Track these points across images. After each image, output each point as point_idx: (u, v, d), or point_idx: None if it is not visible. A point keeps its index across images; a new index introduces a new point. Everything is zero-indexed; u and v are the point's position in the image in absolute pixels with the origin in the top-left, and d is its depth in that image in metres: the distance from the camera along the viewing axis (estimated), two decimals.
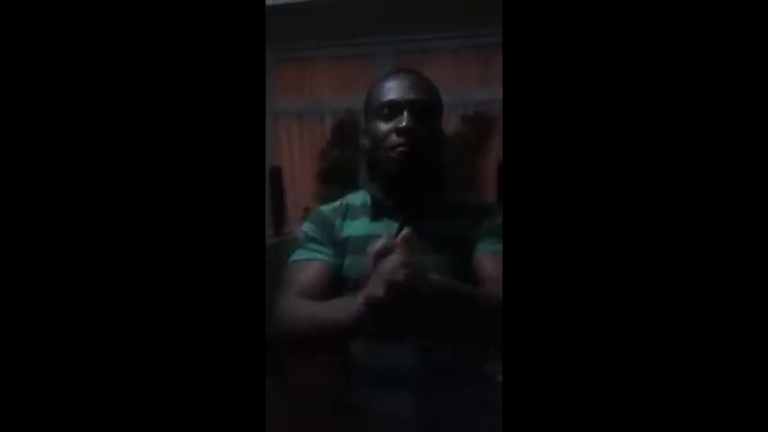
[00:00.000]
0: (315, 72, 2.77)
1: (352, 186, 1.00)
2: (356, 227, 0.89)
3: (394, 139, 0.84)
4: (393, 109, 0.85)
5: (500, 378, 0.83)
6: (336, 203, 0.95)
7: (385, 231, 0.85)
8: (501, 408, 0.47)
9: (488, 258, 0.80)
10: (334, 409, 0.90)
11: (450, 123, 2.61)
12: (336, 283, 0.83)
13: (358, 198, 0.94)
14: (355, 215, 0.91)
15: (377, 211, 0.89)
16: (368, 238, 0.84)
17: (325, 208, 0.94)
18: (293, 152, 2.81)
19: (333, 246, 0.87)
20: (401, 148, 0.83)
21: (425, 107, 0.86)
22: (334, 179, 2.65)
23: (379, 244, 0.59)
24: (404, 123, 0.83)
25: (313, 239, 0.88)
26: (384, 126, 0.85)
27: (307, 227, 0.91)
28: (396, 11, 2.32)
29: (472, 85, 2.63)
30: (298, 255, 0.88)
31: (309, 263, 0.85)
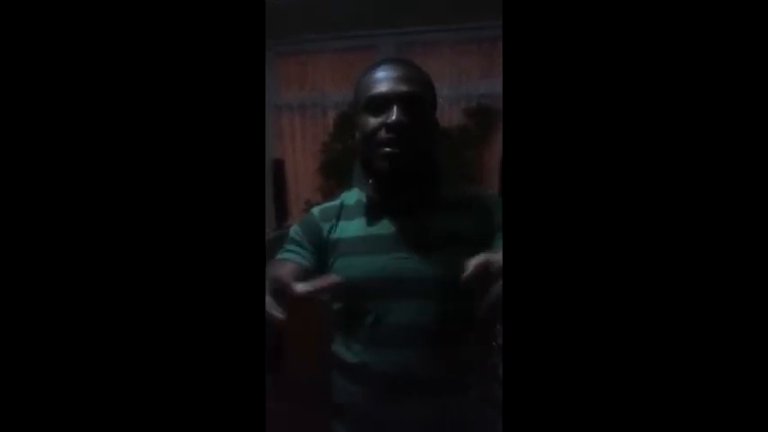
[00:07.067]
0: (317, 65, 2.77)
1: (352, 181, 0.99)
2: (352, 227, 0.87)
3: (383, 134, 0.81)
4: (381, 102, 0.81)
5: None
6: (333, 203, 0.93)
7: (381, 232, 0.85)
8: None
9: None
10: (334, 411, 0.89)
11: (453, 116, 2.61)
12: None
13: (352, 197, 0.92)
14: (351, 215, 0.89)
15: (372, 211, 0.87)
16: (360, 240, 0.85)
17: (318, 210, 0.93)
18: (296, 145, 2.82)
19: (317, 249, 0.88)
20: (390, 146, 0.80)
21: (416, 99, 0.82)
22: (337, 172, 2.65)
23: None
24: (393, 118, 0.79)
25: (296, 242, 0.89)
26: (373, 120, 0.82)
27: (293, 229, 0.92)
28: (398, 3, 2.32)
29: (475, 78, 2.62)
30: (278, 254, 0.89)
31: (284, 263, 0.85)
